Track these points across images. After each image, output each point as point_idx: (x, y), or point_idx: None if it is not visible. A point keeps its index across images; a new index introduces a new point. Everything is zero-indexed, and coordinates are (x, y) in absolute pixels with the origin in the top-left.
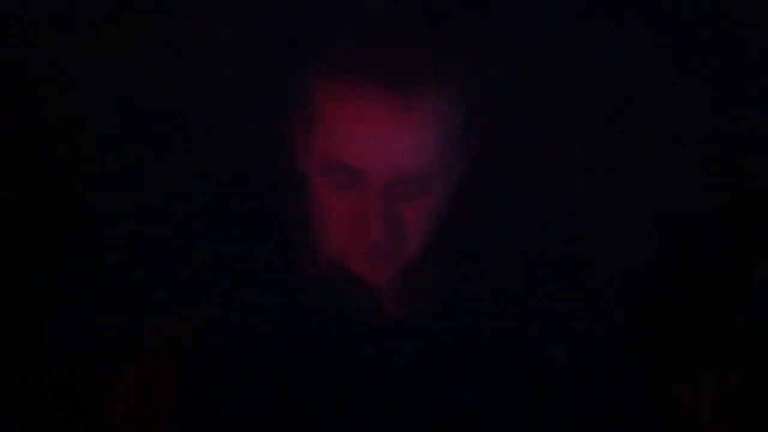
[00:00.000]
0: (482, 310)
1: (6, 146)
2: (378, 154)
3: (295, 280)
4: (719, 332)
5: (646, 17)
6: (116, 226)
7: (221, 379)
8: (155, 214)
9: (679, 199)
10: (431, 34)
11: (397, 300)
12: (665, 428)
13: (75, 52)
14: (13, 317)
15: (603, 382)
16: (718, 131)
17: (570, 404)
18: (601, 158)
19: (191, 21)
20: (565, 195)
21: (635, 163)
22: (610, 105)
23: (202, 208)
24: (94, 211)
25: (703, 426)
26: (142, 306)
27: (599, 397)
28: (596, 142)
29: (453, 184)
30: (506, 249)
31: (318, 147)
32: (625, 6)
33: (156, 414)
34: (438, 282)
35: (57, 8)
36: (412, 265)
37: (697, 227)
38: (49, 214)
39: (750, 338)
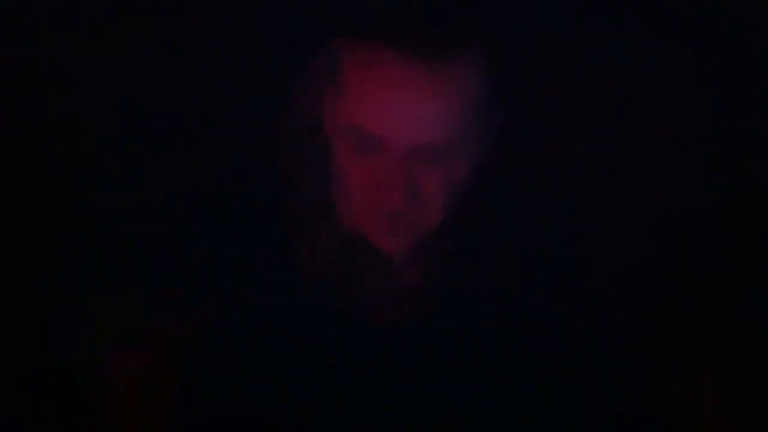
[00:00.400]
0: (482, 310)
1: (6, 146)
2: (399, 121)
3: (295, 280)
4: (719, 332)
5: (647, 17)
6: (116, 225)
7: (221, 379)
8: (155, 213)
9: (679, 199)
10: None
11: (412, 271)
12: (665, 428)
13: (75, 52)
14: (13, 317)
15: (603, 382)
16: (718, 131)
17: (569, 404)
18: (601, 158)
19: (191, 21)
20: (565, 195)
21: (635, 163)
22: (610, 105)
23: (202, 208)
24: (94, 211)
25: (703, 426)
26: (142, 304)
27: (599, 397)
28: (596, 142)
29: (474, 158)
30: (506, 248)
31: (341, 112)
32: (625, 6)
33: (156, 414)
34: (439, 281)
35: (57, 8)
36: (429, 235)
37: (697, 227)
38: (49, 214)
39: (750, 338)
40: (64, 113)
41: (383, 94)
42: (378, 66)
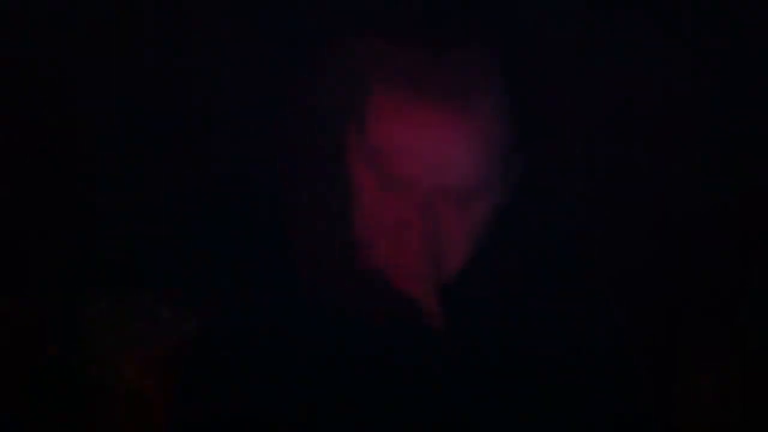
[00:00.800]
0: (485, 311)
1: (6, 146)
2: (427, 164)
3: (295, 281)
4: (719, 332)
5: (647, 17)
6: (116, 226)
7: (221, 381)
8: (155, 213)
9: (679, 199)
10: (479, 43)
11: (436, 314)
12: (665, 428)
13: (75, 52)
14: (13, 318)
15: (603, 383)
16: (718, 131)
17: (569, 404)
18: (601, 158)
19: (191, 21)
20: (565, 195)
21: (635, 163)
22: (610, 105)
23: (202, 207)
24: (94, 211)
25: (703, 426)
26: (142, 305)
27: (599, 397)
28: (596, 142)
29: (496, 202)
30: (508, 249)
31: (369, 154)
32: (625, 6)
33: (155, 414)
34: (460, 322)
35: (57, 8)
36: (451, 276)
37: (696, 227)
38: (48, 214)
39: (750, 338)
40: (63, 113)
41: (413, 137)
42: (409, 108)
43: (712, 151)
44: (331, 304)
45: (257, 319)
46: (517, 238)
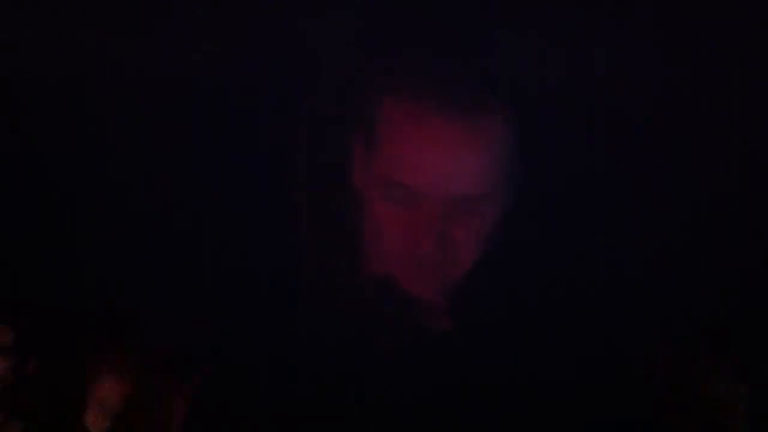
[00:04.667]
0: (493, 315)
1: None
2: (436, 176)
3: (311, 319)
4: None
5: (647, 17)
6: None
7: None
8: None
9: (679, 200)
10: (484, 53)
11: (444, 318)
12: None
13: (75, 52)
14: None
15: (603, 389)
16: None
17: (573, 409)
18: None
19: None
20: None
21: (636, 164)
22: (610, 104)
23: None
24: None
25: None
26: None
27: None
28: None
29: (502, 208)
30: (513, 254)
31: (377, 165)
32: (625, 5)
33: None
34: (467, 326)
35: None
36: (459, 282)
37: (697, 228)
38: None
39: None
40: (63, 113)
41: (422, 150)
42: (416, 121)
43: (713, 151)
44: (338, 317)
45: (270, 351)
46: (522, 242)
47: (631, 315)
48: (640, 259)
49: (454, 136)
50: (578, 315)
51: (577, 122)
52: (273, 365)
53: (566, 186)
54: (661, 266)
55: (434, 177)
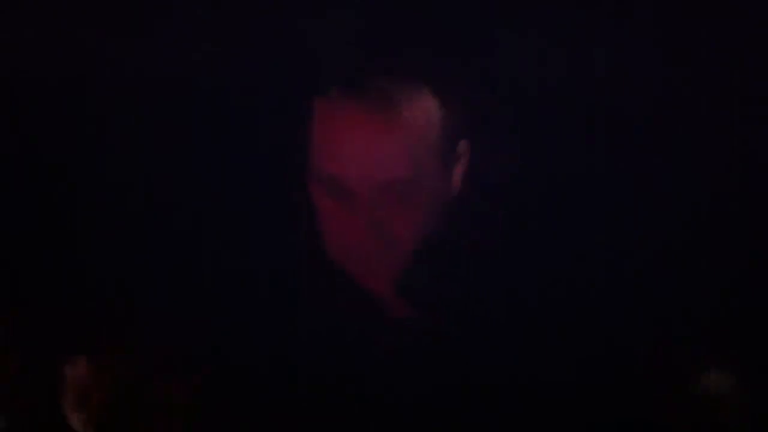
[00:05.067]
0: (443, 298)
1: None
2: (359, 164)
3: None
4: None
5: (647, 17)
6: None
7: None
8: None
9: (680, 200)
10: (409, 48)
11: (398, 303)
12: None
13: (75, 52)
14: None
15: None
16: (718, 131)
17: (532, 379)
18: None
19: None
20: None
21: (636, 164)
22: (610, 104)
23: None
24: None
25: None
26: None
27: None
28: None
29: (443, 191)
30: (460, 237)
31: (313, 161)
32: (625, 5)
33: None
34: (425, 311)
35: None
36: (408, 269)
37: (696, 229)
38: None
39: (750, 338)
40: (63, 113)
41: (343, 140)
42: (337, 114)
43: (713, 151)
44: (338, 317)
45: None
46: (522, 242)
47: (631, 315)
48: (640, 259)
49: (371, 124)
50: (577, 315)
51: (577, 122)
52: (273, 365)
53: (566, 186)
54: (661, 266)
55: (357, 165)
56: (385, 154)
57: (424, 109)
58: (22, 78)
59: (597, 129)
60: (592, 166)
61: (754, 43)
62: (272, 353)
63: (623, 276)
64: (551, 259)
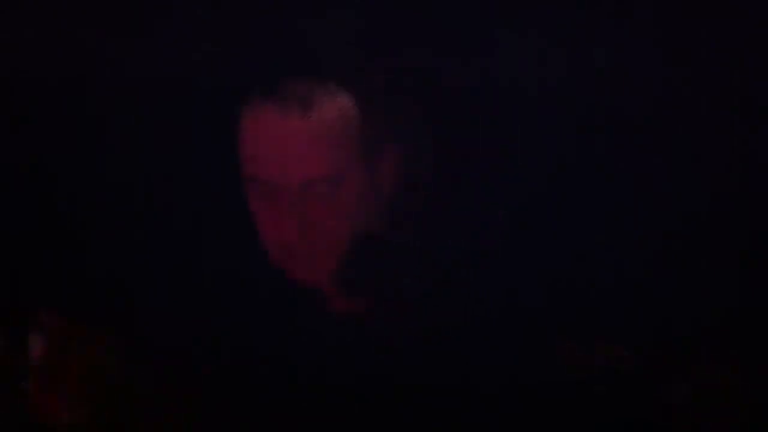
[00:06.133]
0: (384, 290)
1: (6, 146)
2: (279, 165)
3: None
4: (719, 335)
5: (647, 17)
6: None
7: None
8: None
9: (680, 200)
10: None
11: (340, 297)
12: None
13: (75, 52)
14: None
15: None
16: (718, 131)
17: (483, 370)
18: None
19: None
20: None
21: (635, 164)
22: (610, 104)
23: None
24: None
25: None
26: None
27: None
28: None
29: (369, 187)
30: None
31: (243, 164)
32: (625, 5)
33: None
34: (382, 281)
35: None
36: (343, 263)
37: (695, 230)
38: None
39: (750, 338)
40: (62, 113)
41: (262, 143)
42: (257, 118)
43: (713, 152)
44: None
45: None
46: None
47: (631, 315)
48: (640, 259)
49: (289, 125)
50: (577, 314)
51: (577, 122)
52: (273, 365)
53: (566, 186)
54: (661, 266)
55: (277, 166)
56: (302, 153)
57: (341, 112)
58: (22, 78)
59: (597, 129)
60: (591, 166)
61: (754, 43)
62: (273, 355)
63: (624, 276)
64: (551, 259)
